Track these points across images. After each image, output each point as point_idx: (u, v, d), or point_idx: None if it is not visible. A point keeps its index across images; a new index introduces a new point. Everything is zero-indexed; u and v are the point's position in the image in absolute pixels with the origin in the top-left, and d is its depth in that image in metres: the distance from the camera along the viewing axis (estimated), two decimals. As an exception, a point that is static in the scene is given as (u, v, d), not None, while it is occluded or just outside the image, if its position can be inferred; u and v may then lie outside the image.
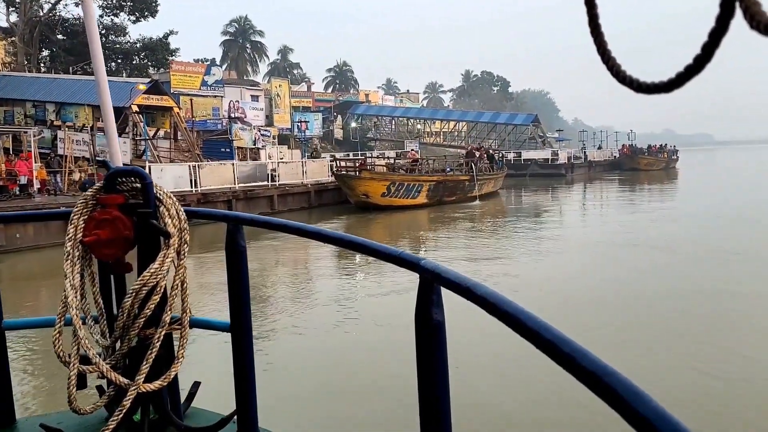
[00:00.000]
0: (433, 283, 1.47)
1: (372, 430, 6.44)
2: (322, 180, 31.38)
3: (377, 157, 35.97)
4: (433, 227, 23.72)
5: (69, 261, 2.11)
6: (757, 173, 54.68)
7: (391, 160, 32.36)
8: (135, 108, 29.47)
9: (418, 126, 70.68)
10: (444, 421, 1.47)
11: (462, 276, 1.37)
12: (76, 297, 2.09)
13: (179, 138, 33.89)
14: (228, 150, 33.98)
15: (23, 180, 23.13)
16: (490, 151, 39.43)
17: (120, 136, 31.76)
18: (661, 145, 70.30)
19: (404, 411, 5.49)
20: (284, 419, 6.17)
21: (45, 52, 46.45)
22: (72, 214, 2.15)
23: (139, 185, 2.18)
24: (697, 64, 0.70)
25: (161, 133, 33.39)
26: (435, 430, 1.47)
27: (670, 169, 65.15)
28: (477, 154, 34.05)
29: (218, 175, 27.24)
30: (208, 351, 7.97)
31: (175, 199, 2.25)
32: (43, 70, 43.61)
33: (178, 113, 33.38)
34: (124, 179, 2.19)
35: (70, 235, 2.12)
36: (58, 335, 2.09)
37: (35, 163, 24.25)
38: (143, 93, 29.66)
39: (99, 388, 2.26)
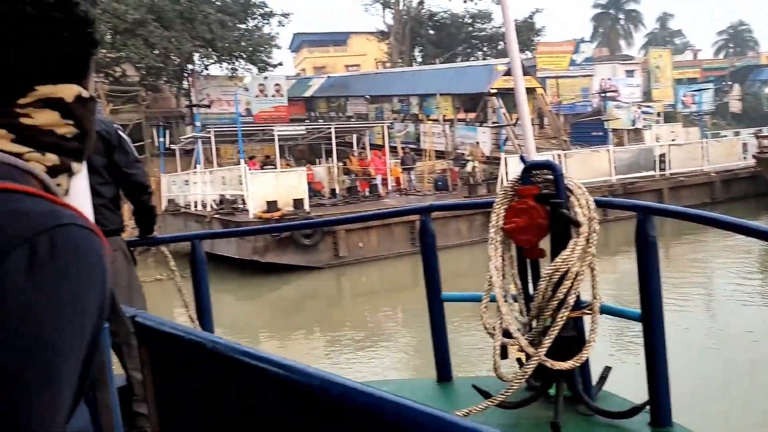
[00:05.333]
0: None
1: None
2: (730, 166, 23.79)
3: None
4: None
5: (492, 245, 2.37)
6: None
7: None
8: (493, 92, 26.20)
9: None
10: None
11: None
12: (498, 277, 2.34)
13: (545, 124, 29.73)
14: (601, 133, 28.48)
15: (378, 180, 21.47)
16: None
17: (480, 125, 28.99)
18: None
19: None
20: (700, 415, 5.19)
21: (416, 50, 47.36)
22: (494, 204, 2.42)
23: (551, 177, 2.33)
24: None
25: (524, 119, 29.66)
26: None
27: None
28: None
29: (589, 165, 22.09)
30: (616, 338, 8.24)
31: (585, 189, 2.33)
32: (414, 66, 44.25)
33: (542, 95, 29.22)
34: (538, 172, 2.40)
35: (493, 223, 2.39)
36: (484, 309, 2.40)
37: (389, 159, 22.54)
38: (503, 75, 26.09)
39: (519, 360, 2.43)
